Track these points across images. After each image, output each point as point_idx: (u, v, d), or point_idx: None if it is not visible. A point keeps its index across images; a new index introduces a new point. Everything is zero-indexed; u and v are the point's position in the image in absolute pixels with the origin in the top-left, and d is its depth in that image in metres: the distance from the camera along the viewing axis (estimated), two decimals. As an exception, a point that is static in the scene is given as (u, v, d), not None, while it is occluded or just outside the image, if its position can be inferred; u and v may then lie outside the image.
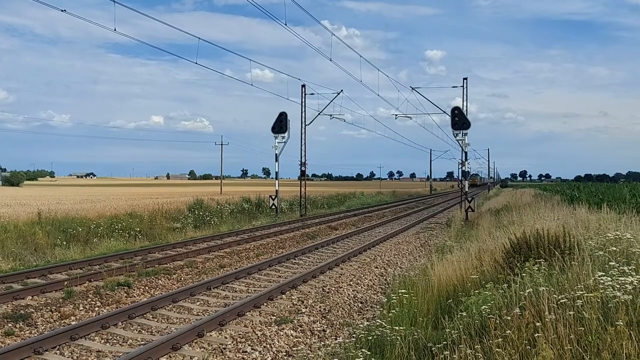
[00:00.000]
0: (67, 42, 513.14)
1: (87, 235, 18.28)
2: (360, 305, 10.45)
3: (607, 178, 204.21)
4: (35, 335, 7.95)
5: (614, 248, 6.17)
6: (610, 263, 5.23)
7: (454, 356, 4.58)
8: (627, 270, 4.85)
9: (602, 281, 4.59)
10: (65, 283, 11.03)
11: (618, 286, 4.42)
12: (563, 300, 4.53)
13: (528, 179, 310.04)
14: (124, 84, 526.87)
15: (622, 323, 3.88)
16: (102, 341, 7.80)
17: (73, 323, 8.53)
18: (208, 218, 25.54)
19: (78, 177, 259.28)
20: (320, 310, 9.76)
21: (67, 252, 15.82)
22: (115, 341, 7.82)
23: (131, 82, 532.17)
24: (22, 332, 8.17)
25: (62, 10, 15.40)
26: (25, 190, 64.78)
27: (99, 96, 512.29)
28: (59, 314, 9.12)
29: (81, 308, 9.64)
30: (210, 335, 7.95)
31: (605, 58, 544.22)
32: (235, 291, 11.30)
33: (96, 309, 9.69)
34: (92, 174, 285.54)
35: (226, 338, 7.91)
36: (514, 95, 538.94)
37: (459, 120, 28.42)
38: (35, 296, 10.32)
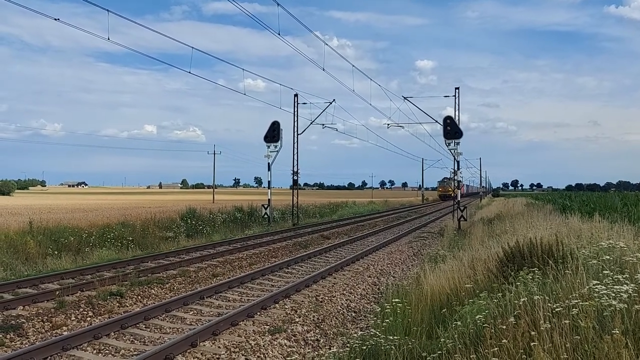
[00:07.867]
0: (56, 51, 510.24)
1: (79, 245, 18.18)
2: (353, 314, 10.43)
3: (598, 187, 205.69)
4: (27, 345, 7.87)
5: (607, 257, 6.17)
6: (604, 272, 5.23)
7: (450, 365, 4.57)
8: (622, 279, 4.86)
9: (597, 290, 4.59)
10: (57, 293, 10.95)
11: (613, 294, 4.43)
12: (558, 309, 4.53)
13: (520, 188, 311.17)
14: (114, 92, 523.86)
15: (618, 331, 3.88)
16: (95, 352, 7.73)
17: (65, 333, 8.44)
18: (201, 227, 25.46)
19: (70, 186, 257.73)
20: (313, 320, 9.72)
21: (59, 262, 15.71)
22: (107, 352, 7.75)
23: (122, 91, 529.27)
24: (13, 343, 8.09)
25: (55, 19, 15.37)
26: (16, 200, 64.27)
27: (91, 105, 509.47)
28: (51, 324, 9.04)
29: (73, 318, 9.56)
30: (204, 345, 7.90)
31: (592, 68, 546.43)
32: (229, 300, 11.24)
33: (88, 319, 9.61)
34: (83, 183, 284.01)
35: (220, 348, 7.86)
36: (504, 105, 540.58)
37: (451, 130, 28.55)
38: (27, 306, 10.22)
